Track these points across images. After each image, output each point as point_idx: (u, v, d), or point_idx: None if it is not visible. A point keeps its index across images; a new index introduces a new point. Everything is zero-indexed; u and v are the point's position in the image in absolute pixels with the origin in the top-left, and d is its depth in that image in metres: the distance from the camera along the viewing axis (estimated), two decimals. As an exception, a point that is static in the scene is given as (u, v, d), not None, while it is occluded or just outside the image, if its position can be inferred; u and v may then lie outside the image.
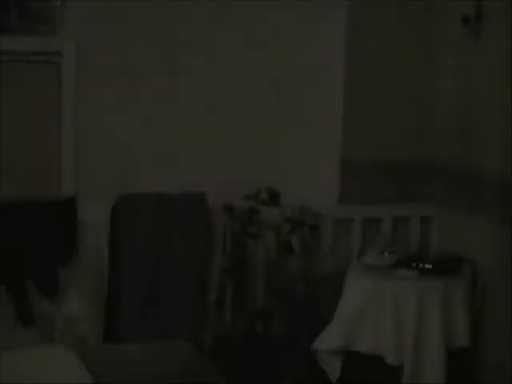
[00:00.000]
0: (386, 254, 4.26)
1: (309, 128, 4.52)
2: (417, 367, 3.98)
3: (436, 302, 4.00)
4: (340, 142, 4.56)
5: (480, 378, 4.22)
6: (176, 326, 4.15)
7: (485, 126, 4.20)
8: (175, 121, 4.35)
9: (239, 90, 4.44)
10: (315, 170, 4.54)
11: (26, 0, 4.05)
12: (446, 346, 3.99)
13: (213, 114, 4.40)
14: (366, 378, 4.01)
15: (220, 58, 4.41)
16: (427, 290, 4.02)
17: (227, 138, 4.41)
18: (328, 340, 4.03)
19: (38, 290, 4.02)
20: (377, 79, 4.57)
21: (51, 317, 4.06)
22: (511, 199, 4.00)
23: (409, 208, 4.65)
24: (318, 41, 4.50)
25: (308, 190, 4.44)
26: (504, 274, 4.06)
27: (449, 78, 4.49)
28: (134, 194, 4.17)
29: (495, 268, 4.14)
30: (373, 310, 4.01)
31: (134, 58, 4.27)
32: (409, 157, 4.66)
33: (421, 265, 4.15)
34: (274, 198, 4.34)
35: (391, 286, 4.05)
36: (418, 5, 4.54)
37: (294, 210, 4.34)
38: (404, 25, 4.54)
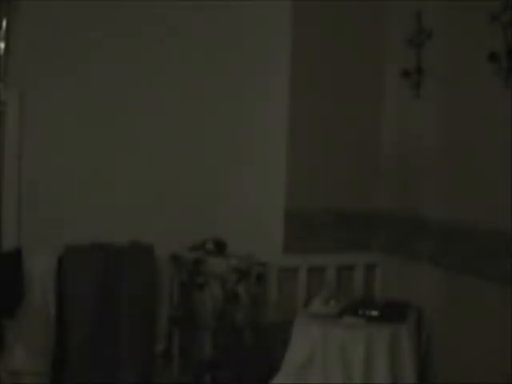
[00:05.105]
0: (331, 302, 4.30)
1: (254, 179, 4.59)
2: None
3: (383, 348, 4.04)
4: (284, 192, 4.63)
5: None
6: (124, 377, 4.09)
7: (427, 176, 4.32)
8: (123, 171, 4.33)
9: (186, 142, 4.47)
10: (261, 220, 4.58)
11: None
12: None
13: (160, 165, 4.41)
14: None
15: (166, 105, 4.44)
16: (374, 337, 4.06)
17: (174, 190, 4.41)
18: (277, 389, 4.03)
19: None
20: (321, 133, 4.67)
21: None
22: (452, 246, 4.11)
23: (353, 256, 4.73)
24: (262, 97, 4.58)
25: (254, 239, 4.46)
26: (447, 318, 4.15)
27: (392, 129, 4.62)
28: (81, 245, 4.12)
29: (439, 313, 4.23)
30: (320, 358, 4.02)
31: (80, 106, 4.26)
32: (354, 206, 4.75)
33: (367, 312, 4.20)
34: (220, 248, 4.36)
35: (338, 333, 4.07)
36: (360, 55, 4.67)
37: (241, 260, 4.35)
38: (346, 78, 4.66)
